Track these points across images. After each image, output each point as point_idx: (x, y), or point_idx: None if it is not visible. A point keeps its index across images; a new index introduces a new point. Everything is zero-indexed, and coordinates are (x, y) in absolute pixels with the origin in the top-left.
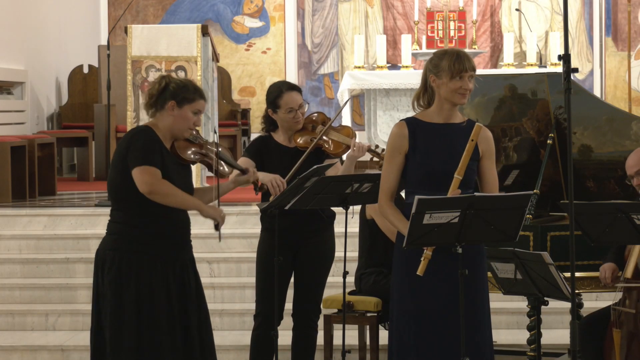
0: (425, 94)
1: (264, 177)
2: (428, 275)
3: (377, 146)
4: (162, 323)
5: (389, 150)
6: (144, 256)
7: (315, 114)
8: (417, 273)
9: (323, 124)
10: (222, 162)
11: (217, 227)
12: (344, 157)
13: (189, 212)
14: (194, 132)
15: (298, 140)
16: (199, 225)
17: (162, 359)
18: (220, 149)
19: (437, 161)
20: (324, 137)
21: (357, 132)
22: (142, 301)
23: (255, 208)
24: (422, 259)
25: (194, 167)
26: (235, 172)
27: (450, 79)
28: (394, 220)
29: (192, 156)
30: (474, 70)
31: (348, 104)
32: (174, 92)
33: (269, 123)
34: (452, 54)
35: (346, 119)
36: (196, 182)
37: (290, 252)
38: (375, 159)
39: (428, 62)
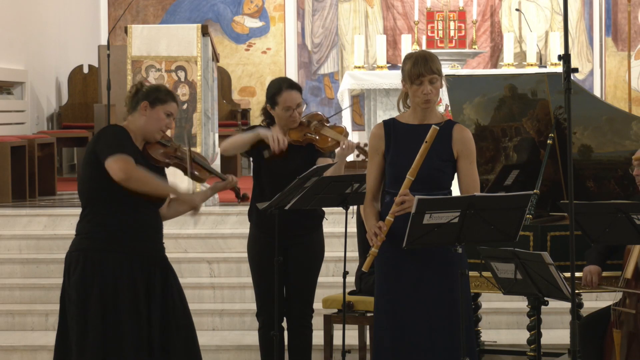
0: (407, 98)
1: (265, 131)
2: (408, 276)
3: (365, 144)
4: (126, 323)
5: (369, 151)
6: (109, 254)
7: (312, 114)
8: (362, 269)
9: (319, 122)
10: (198, 165)
11: (195, 210)
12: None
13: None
14: (166, 136)
15: (292, 135)
16: (199, 226)
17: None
18: (195, 154)
19: (406, 161)
20: (317, 133)
21: (357, 132)
22: (106, 301)
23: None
24: (367, 255)
25: (182, 176)
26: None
27: (411, 84)
28: (367, 220)
29: (165, 159)
30: (435, 72)
31: (348, 108)
32: (147, 93)
33: (267, 117)
34: (412, 59)
35: (346, 119)
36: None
37: (280, 253)
38: (362, 156)
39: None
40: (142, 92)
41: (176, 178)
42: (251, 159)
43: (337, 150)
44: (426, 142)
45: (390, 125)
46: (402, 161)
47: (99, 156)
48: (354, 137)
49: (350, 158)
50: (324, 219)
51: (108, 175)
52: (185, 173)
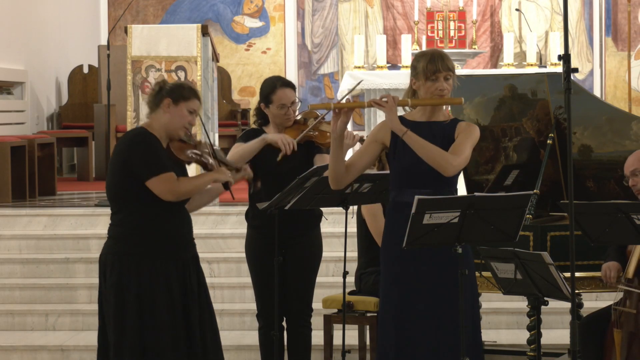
0: (413, 96)
1: (272, 136)
2: (413, 276)
3: (362, 138)
4: (164, 323)
5: (369, 136)
6: (144, 258)
7: (307, 111)
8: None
9: (315, 119)
10: (217, 160)
11: (226, 186)
12: None
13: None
14: (188, 133)
15: (289, 134)
16: (199, 226)
17: (165, 359)
18: (215, 149)
19: (411, 157)
20: (315, 129)
21: (356, 132)
22: (143, 302)
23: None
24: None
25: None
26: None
27: (425, 81)
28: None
29: (188, 156)
30: (450, 70)
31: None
32: (170, 90)
33: (260, 117)
34: (427, 56)
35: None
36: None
37: (279, 253)
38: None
39: (410, 65)
40: (165, 89)
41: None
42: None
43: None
44: None
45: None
46: (407, 157)
47: (137, 175)
48: None
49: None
50: (324, 218)
51: (139, 183)
52: (206, 169)
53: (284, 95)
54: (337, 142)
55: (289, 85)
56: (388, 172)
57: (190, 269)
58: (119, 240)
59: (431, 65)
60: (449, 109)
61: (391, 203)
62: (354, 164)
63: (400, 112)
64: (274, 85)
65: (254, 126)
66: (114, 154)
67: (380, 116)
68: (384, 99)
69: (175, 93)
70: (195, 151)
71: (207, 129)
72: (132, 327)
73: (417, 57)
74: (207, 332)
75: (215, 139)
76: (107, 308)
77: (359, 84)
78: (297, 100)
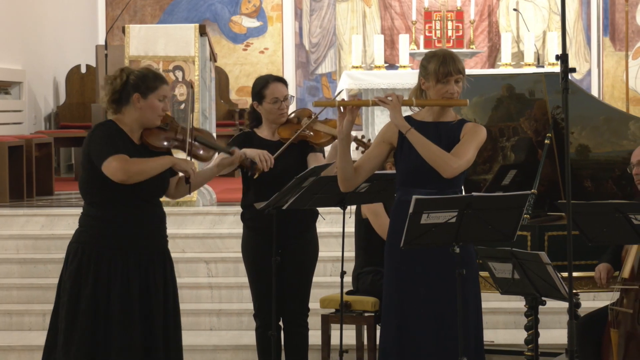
0: (421, 94)
1: (251, 152)
2: (417, 276)
3: (362, 136)
4: (116, 320)
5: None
6: (105, 250)
7: (299, 109)
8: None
9: (308, 118)
10: (201, 145)
11: (187, 180)
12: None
13: (176, 209)
14: (167, 118)
15: (283, 133)
16: (197, 225)
17: (114, 357)
18: (196, 133)
19: (417, 157)
20: (310, 129)
21: (354, 132)
22: (98, 296)
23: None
24: None
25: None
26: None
27: (436, 83)
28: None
29: (164, 143)
30: (461, 72)
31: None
32: (136, 84)
33: (253, 118)
34: (439, 57)
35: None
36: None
37: (275, 253)
38: (361, 148)
39: (420, 64)
40: (130, 83)
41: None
42: None
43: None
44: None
45: (407, 121)
46: (413, 157)
47: (94, 161)
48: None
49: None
50: (322, 218)
51: (104, 176)
52: (189, 155)
53: (277, 89)
54: (344, 142)
55: (281, 80)
56: (387, 172)
57: (156, 265)
58: (84, 230)
59: (443, 67)
60: None
61: (397, 202)
62: (362, 165)
63: (409, 112)
64: (266, 81)
65: (245, 129)
66: (82, 149)
67: (377, 116)
68: (389, 98)
69: (142, 86)
70: (174, 137)
71: (205, 128)
72: (84, 320)
73: (428, 58)
74: (170, 334)
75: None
76: (63, 295)
77: (339, 93)
78: (289, 95)
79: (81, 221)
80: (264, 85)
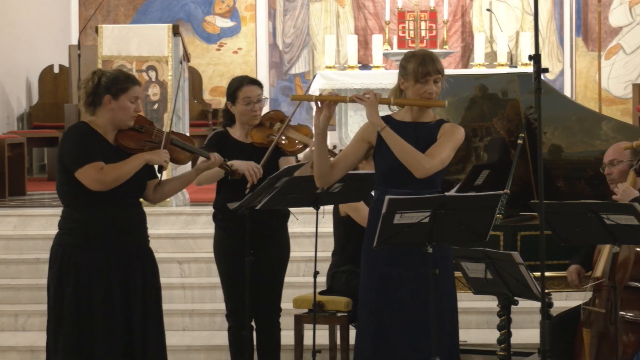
0: (400, 94)
1: (239, 164)
2: (393, 276)
3: (334, 147)
4: (99, 321)
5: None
6: (85, 251)
7: (273, 112)
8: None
9: (281, 122)
10: (177, 147)
11: (160, 169)
12: (300, 155)
13: (149, 209)
14: (144, 120)
15: (255, 137)
16: (170, 226)
17: (98, 357)
18: (173, 136)
19: (395, 157)
20: (282, 135)
21: (327, 133)
22: (80, 298)
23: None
24: None
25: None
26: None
27: (415, 83)
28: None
29: (138, 146)
30: (440, 72)
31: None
32: (107, 85)
33: (228, 117)
34: (418, 57)
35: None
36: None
37: (249, 253)
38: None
39: (399, 64)
40: (101, 85)
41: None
42: None
43: (305, 152)
44: None
45: (385, 120)
46: (391, 157)
47: (68, 167)
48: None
49: None
50: (296, 219)
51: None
52: (173, 161)
53: (250, 91)
54: (321, 138)
55: (256, 82)
56: (360, 172)
57: (136, 266)
58: (64, 232)
59: (422, 67)
60: None
61: (374, 202)
62: (339, 162)
63: (388, 111)
64: (240, 82)
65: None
66: (57, 152)
67: (351, 116)
68: (367, 95)
69: (113, 88)
70: (148, 139)
71: (178, 129)
72: (68, 322)
73: (407, 58)
74: (150, 334)
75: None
76: (48, 298)
77: (297, 107)
78: (263, 97)
79: (61, 224)
80: (237, 87)
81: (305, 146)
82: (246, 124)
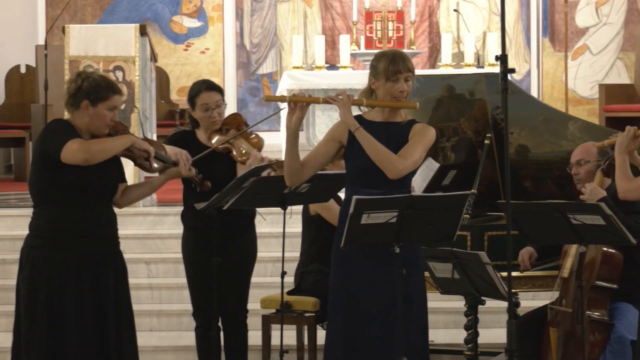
0: (370, 95)
1: (171, 150)
2: (362, 276)
3: (276, 160)
4: (71, 323)
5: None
6: (57, 253)
7: (232, 116)
8: None
9: (237, 128)
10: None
11: (147, 159)
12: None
13: (116, 210)
14: (118, 125)
15: (212, 141)
16: (137, 226)
17: (72, 357)
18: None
19: (366, 157)
20: (233, 142)
21: (266, 155)
22: (53, 298)
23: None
24: None
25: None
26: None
27: (386, 81)
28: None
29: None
30: (411, 71)
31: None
32: (87, 91)
33: (193, 120)
34: (388, 56)
35: (284, 120)
36: (133, 179)
37: (214, 254)
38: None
39: (370, 65)
40: (82, 90)
41: (127, 168)
42: None
43: (249, 162)
44: None
45: (357, 120)
46: (362, 157)
47: (52, 155)
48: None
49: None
50: (263, 219)
51: (58, 175)
52: (136, 164)
53: (207, 97)
54: (292, 138)
55: (214, 88)
56: (327, 172)
57: (108, 267)
58: (35, 233)
59: (392, 66)
60: None
61: (345, 202)
62: (310, 161)
63: (358, 111)
64: (198, 89)
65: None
66: (33, 149)
67: (319, 117)
68: (340, 96)
69: (92, 95)
70: None
71: (145, 129)
72: (41, 324)
73: (378, 57)
74: (124, 337)
75: (154, 140)
76: (19, 301)
77: (258, 122)
78: (223, 103)
79: (31, 226)
80: (195, 94)
81: (249, 155)
82: (207, 129)
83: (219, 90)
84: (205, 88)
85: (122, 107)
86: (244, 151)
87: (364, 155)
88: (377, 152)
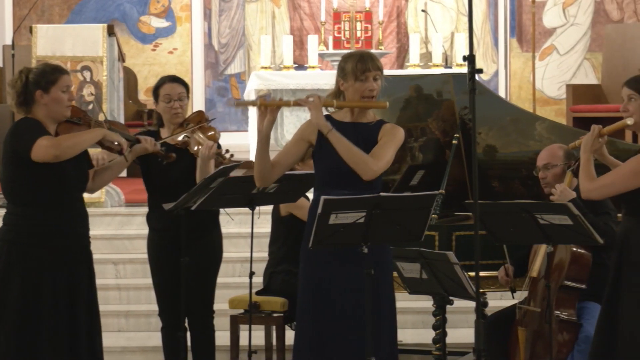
0: (339, 96)
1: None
2: (331, 276)
3: (227, 151)
4: (45, 320)
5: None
6: (32, 249)
7: (195, 113)
8: None
9: (198, 123)
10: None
11: (120, 152)
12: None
13: (88, 208)
14: (79, 112)
15: (174, 135)
16: (105, 226)
17: (43, 355)
18: (109, 122)
19: (336, 158)
20: (190, 136)
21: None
22: (26, 294)
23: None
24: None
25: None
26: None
27: (355, 81)
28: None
29: None
30: (379, 70)
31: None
32: (36, 81)
33: (159, 119)
34: (356, 56)
35: (252, 119)
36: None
37: (179, 253)
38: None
39: (337, 66)
40: (30, 82)
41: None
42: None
43: (202, 151)
44: None
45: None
46: (332, 158)
47: (22, 154)
48: None
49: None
50: (231, 219)
51: (32, 173)
52: (101, 147)
53: (170, 88)
54: (264, 142)
55: (178, 80)
56: (296, 172)
57: (81, 266)
58: (10, 228)
59: (361, 64)
60: None
61: (313, 202)
62: (280, 161)
63: (326, 111)
64: (162, 81)
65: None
66: (2, 148)
67: (287, 117)
68: (310, 98)
69: (42, 82)
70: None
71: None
72: (12, 320)
73: (345, 58)
74: (96, 334)
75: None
76: None
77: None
78: (186, 97)
79: (6, 219)
80: (159, 85)
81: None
82: (170, 122)
83: (183, 84)
84: (170, 79)
85: (90, 107)
86: (200, 144)
87: (334, 156)
88: (351, 154)
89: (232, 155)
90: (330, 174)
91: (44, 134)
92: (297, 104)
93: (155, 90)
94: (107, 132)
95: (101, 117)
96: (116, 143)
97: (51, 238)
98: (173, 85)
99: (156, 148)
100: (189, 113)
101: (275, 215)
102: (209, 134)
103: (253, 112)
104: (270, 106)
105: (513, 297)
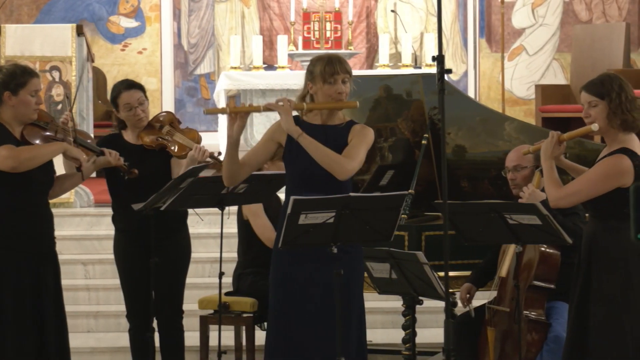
0: (306, 99)
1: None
2: (301, 276)
3: (219, 153)
4: (9, 322)
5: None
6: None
7: (164, 113)
8: None
9: (171, 124)
10: (80, 146)
11: (78, 169)
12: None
13: (53, 210)
14: (47, 117)
15: (145, 139)
16: (74, 227)
17: (8, 357)
18: (75, 135)
19: (306, 160)
20: (170, 138)
21: (206, 148)
22: None
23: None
24: None
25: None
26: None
27: (324, 84)
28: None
29: (43, 142)
30: (348, 73)
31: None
32: (4, 82)
33: (120, 121)
34: (324, 59)
35: (222, 120)
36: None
37: (146, 254)
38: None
39: (306, 70)
40: None
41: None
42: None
43: (190, 154)
44: None
45: (295, 121)
46: (302, 160)
47: None
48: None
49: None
50: (201, 219)
51: None
52: (65, 157)
53: (128, 97)
54: (234, 146)
55: (134, 86)
56: (264, 172)
57: (47, 267)
58: None
59: (329, 67)
60: None
61: (285, 203)
62: (249, 161)
63: (296, 113)
64: (118, 91)
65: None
66: None
67: (256, 117)
68: (280, 102)
69: (11, 84)
70: (53, 136)
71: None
72: None
73: (314, 62)
74: (63, 334)
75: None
76: None
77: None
78: (145, 100)
79: None
80: (116, 95)
81: (190, 149)
82: (135, 127)
83: (139, 87)
84: (125, 87)
85: (59, 107)
86: (182, 146)
87: (304, 159)
88: (324, 155)
89: (219, 154)
90: (302, 176)
91: (7, 141)
92: (268, 109)
93: (114, 100)
94: (68, 147)
95: (70, 125)
96: (75, 158)
97: (16, 240)
98: (130, 92)
99: (119, 162)
100: (153, 113)
101: (239, 218)
102: (190, 135)
103: (225, 117)
104: (240, 112)
105: (472, 317)
